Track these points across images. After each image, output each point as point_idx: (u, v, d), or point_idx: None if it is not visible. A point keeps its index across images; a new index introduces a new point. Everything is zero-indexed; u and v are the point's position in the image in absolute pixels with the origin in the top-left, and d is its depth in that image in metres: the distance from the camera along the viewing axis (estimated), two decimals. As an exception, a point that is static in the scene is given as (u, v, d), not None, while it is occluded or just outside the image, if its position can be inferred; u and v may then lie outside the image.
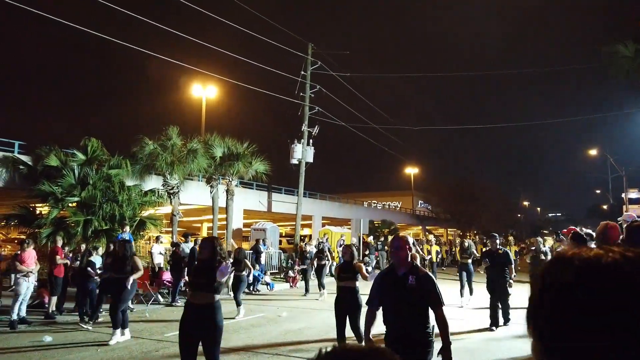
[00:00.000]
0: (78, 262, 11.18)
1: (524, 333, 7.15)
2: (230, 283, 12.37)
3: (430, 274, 3.87)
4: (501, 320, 9.31)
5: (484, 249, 16.51)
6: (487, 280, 9.71)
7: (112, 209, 14.68)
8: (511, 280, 9.66)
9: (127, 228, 14.21)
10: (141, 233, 16.10)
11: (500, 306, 9.27)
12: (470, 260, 12.91)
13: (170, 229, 18.08)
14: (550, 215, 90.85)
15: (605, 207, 50.62)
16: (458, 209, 42.69)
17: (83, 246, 12.36)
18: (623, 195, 33.86)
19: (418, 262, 11.25)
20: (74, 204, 14.65)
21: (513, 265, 9.84)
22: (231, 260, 14.30)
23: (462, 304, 12.10)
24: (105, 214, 14.54)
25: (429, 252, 20.50)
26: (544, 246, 15.87)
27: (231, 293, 11.58)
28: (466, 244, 13.60)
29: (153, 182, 17.94)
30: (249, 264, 12.41)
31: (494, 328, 9.05)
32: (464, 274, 12.71)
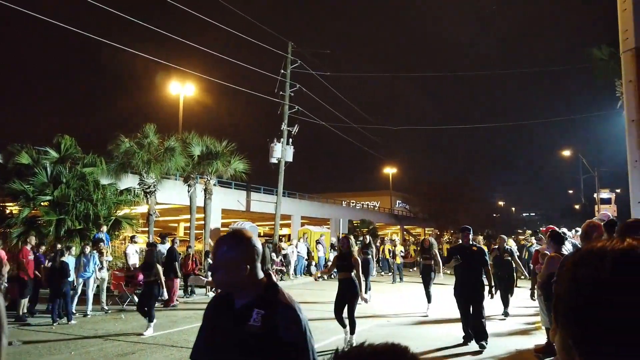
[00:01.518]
0: (51, 263, 10.84)
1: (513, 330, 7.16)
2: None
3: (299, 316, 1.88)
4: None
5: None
6: (455, 282, 7.69)
7: (86, 208, 14.30)
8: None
9: (104, 228, 13.88)
10: (116, 233, 15.73)
11: (472, 317, 7.35)
12: (432, 262, 11.19)
13: (147, 229, 17.73)
14: (524, 215, 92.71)
15: (577, 207, 51.88)
16: (436, 209, 43.16)
17: (59, 246, 12.00)
18: (595, 195, 34.74)
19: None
20: (46, 203, 14.22)
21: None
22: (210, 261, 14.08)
23: (427, 312, 10.71)
24: (78, 214, 14.16)
25: (392, 253, 20.22)
26: (508, 245, 15.90)
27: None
28: (428, 243, 11.94)
29: (129, 181, 17.57)
30: None
31: (468, 343, 7.48)
32: (426, 277, 11.18)
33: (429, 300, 10.87)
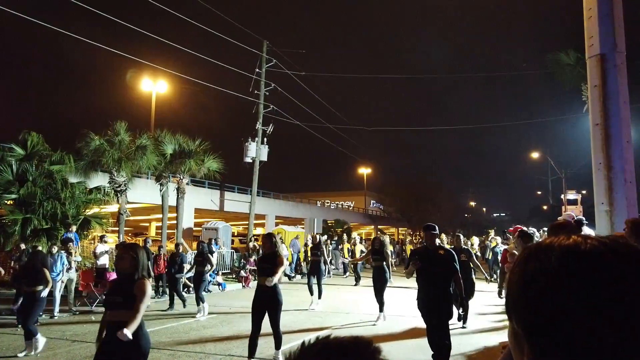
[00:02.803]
0: (18, 263, 10.52)
1: (484, 328, 7.29)
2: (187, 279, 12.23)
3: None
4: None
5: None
6: (417, 293, 6.08)
7: (54, 207, 13.93)
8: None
9: (73, 228, 13.54)
10: (85, 232, 15.36)
11: (437, 337, 5.95)
12: (384, 264, 9.88)
13: (117, 228, 17.39)
14: (495, 215, 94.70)
15: (545, 207, 53.33)
16: (410, 209, 43.68)
17: (23, 246, 11.64)
18: (562, 196, 35.76)
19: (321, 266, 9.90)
20: (11, 202, 13.79)
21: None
22: (190, 258, 13.99)
23: (378, 322, 9.36)
24: (45, 213, 13.77)
25: (351, 252, 20.13)
26: (471, 243, 16.07)
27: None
28: (379, 242, 10.34)
29: (99, 180, 17.20)
30: (213, 260, 12.31)
31: None
32: (377, 283, 9.76)
33: (380, 309, 9.55)
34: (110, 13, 15.12)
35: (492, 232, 19.46)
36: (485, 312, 10.78)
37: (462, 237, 10.00)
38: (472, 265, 9.24)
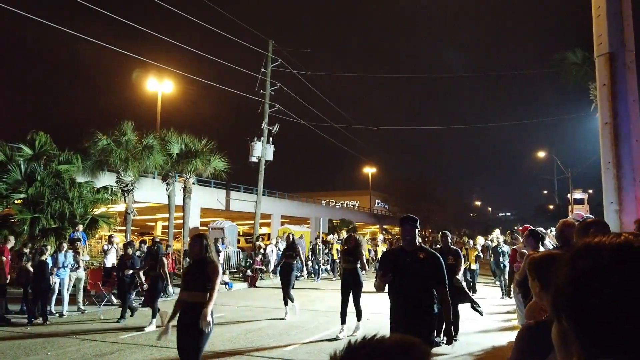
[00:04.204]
0: (27, 262, 10.59)
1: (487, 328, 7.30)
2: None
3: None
4: None
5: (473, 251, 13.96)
6: (390, 311, 4.36)
7: (62, 207, 14.01)
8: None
9: (80, 227, 13.62)
10: (93, 232, 15.46)
11: None
12: (358, 266, 8.51)
13: (124, 228, 17.48)
14: (500, 214, 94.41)
15: (551, 207, 53.09)
16: (414, 208, 43.61)
17: (28, 247, 11.72)
18: (568, 195, 35.59)
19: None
20: (20, 201, 13.89)
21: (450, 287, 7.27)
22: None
23: (357, 334, 8.00)
24: (54, 212, 13.86)
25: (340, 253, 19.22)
26: (466, 245, 14.88)
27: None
28: (353, 241, 8.89)
29: (106, 179, 17.29)
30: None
31: None
32: (352, 287, 8.36)
33: (358, 318, 8.27)
34: (116, 13, 15.21)
35: (495, 232, 17.68)
36: (494, 312, 10.76)
37: (449, 235, 8.32)
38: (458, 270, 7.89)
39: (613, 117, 5.65)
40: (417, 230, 4.31)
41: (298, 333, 8.54)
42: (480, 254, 14.56)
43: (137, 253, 11.58)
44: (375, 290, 4.39)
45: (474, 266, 13.92)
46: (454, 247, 8.38)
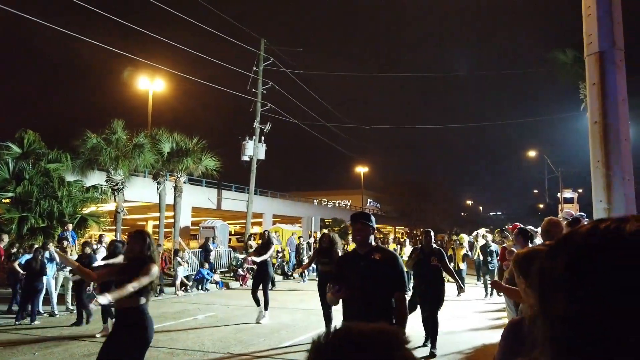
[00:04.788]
0: (15, 262, 10.48)
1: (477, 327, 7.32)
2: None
3: None
4: None
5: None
6: (343, 320, 3.99)
7: (51, 206, 13.86)
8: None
9: (70, 226, 13.49)
10: (82, 231, 15.31)
11: None
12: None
13: (114, 227, 17.34)
14: (491, 213, 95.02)
15: (542, 206, 53.49)
16: (407, 207, 43.76)
17: (22, 245, 11.58)
18: (559, 194, 35.89)
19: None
20: (8, 200, 13.72)
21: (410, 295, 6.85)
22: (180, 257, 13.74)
23: None
24: (42, 211, 13.71)
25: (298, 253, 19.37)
26: (461, 241, 14.22)
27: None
28: (327, 240, 8.41)
29: (96, 178, 17.14)
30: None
31: None
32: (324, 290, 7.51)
33: (327, 323, 7.61)
34: (107, 10, 15.06)
35: (480, 230, 16.64)
36: (484, 310, 10.81)
37: (432, 233, 7.66)
38: (444, 273, 7.37)
39: (602, 116, 5.68)
40: (371, 229, 3.65)
41: (289, 332, 8.51)
42: (468, 253, 14.28)
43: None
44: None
45: (461, 265, 13.66)
46: (437, 247, 7.47)
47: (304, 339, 7.88)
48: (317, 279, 8.73)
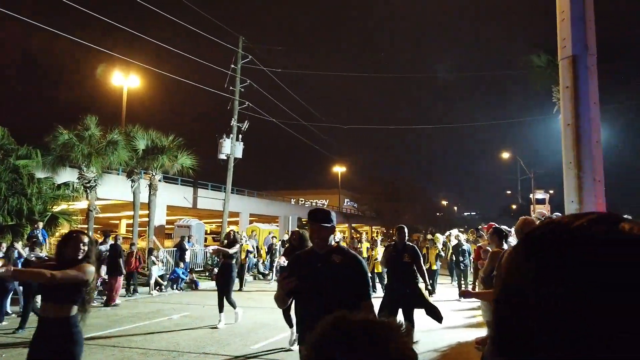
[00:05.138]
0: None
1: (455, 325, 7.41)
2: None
3: None
4: None
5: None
6: (298, 332, 3.54)
7: (20, 203, 13.47)
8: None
9: (40, 224, 13.13)
10: (53, 229, 14.92)
11: None
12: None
13: (86, 225, 16.95)
14: (465, 214, 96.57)
15: (514, 206, 54.63)
16: (383, 207, 44.09)
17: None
18: (531, 195, 36.69)
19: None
20: (-26, 197, 13.27)
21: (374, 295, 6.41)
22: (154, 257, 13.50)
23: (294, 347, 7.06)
24: (11, 209, 13.31)
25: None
26: (436, 241, 13.79)
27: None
28: (297, 238, 7.13)
29: (67, 175, 16.73)
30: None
31: None
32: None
33: (290, 325, 7.28)
34: (80, 4, 14.69)
35: (453, 230, 15.87)
36: (459, 309, 10.96)
37: (406, 229, 7.19)
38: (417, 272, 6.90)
39: (575, 119, 5.82)
40: (330, 228, 3.18)
41: (265, 331, 8.47)
42: (442, 253, 14.13)
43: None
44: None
45: (434, 266, 13.48)
46: (411, 244, 7.08)
47: (281, 339, 7.84)
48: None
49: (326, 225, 3.18)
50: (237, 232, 11.76)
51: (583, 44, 5.63)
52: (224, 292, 8.79)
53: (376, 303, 6.31)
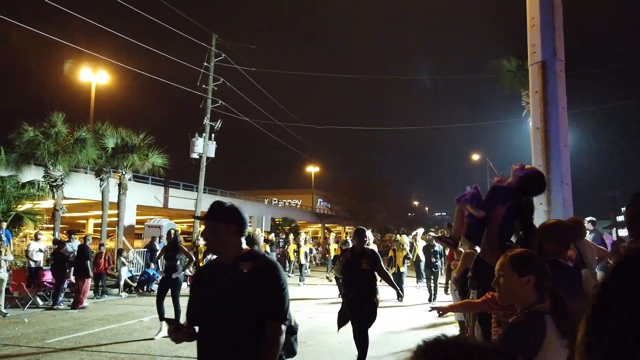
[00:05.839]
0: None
1: (419, 325, 7.52)
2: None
3: None
4: None
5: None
6: (197, 352, 2.50)
7: (-19, 202, 12.95)
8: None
9: (4, 224, 12.65)
10: (17, 230, 14.41)
11: None
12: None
13: (52, 225, 16.44)
14: (437, 214, 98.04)
15: (484, 207, 55.64)
16: (357, 207, 44.34)
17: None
18: (499, 196, 37.54)
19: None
20: None
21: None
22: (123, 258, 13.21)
23: None
24: (-28, 208, 12.78)
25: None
26: (403, 243, 13.32)
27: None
28: (249, 239, 4.84)
29: (33, 174, 16.19)
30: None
31: None
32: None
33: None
34: (47, -3, 14.20)
35: (420, 230, 15.06)
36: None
37: (368, 232, 6.56)
38: (378, 278, 6.13)
39: (544, 123, 5.99)
40: (227, 226, 2.41)
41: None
42: (410, 255, 13.31)
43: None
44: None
45: (402, 268, 12.74)
46: (370, 249, 6.50)
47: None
48: None
49: (227, 221, 2.41)
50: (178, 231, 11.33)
51: (552, 50, 5.79)
52: (173, 295, 8.19)
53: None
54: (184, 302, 5.94)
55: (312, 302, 12.21)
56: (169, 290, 8.23)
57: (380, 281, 6.17)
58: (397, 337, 8.10)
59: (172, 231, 9.24)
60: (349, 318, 6.00)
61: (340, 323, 6.14)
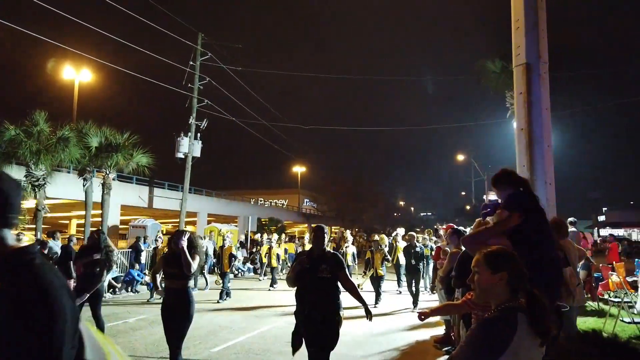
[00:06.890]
0: None
1: (407, 326, 7.54)
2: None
3: None
4: None
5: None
6: None
7: (-39, 202, 12.68)
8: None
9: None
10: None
11: None
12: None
13: (34, 226, 16.17)
14: (422, 214, 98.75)
15: (469, 207, 56.33)
16: (343, 207, 44.41)
17: None
18: (485, 197, 37.94)
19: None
20: None
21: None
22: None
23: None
24: (-49, 208, 12.51)
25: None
26: (358, 243, 13.24)
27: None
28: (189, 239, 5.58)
29: (14, 173, 15.79)
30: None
31: None
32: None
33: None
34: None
35: (400, 230, 14.22)
36: (419, 309, 11.17)
37: (326, 229, 5.16)
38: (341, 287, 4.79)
39: (528, 124, 6.07)
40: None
41: (226, 334, 8.35)
42: (388, 257, 12.40)
43: None
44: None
45: (381, 271, 11.80)
46: (332, 252, 4.94)
47: (241, 341, 7.76)
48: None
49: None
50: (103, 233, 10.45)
51: (536, 52, 5.87)
52: (92, 308, 7.41)
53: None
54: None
55: (279, 311, 10.85)
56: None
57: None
58: (385, 337, 8.13)
59: (95, 233, 7.40)
60: (299, 340, 4.71)
61: (295, 347, 4.74)
